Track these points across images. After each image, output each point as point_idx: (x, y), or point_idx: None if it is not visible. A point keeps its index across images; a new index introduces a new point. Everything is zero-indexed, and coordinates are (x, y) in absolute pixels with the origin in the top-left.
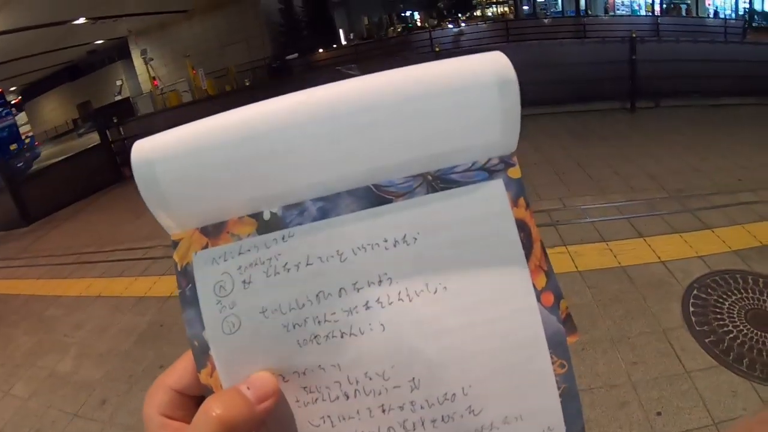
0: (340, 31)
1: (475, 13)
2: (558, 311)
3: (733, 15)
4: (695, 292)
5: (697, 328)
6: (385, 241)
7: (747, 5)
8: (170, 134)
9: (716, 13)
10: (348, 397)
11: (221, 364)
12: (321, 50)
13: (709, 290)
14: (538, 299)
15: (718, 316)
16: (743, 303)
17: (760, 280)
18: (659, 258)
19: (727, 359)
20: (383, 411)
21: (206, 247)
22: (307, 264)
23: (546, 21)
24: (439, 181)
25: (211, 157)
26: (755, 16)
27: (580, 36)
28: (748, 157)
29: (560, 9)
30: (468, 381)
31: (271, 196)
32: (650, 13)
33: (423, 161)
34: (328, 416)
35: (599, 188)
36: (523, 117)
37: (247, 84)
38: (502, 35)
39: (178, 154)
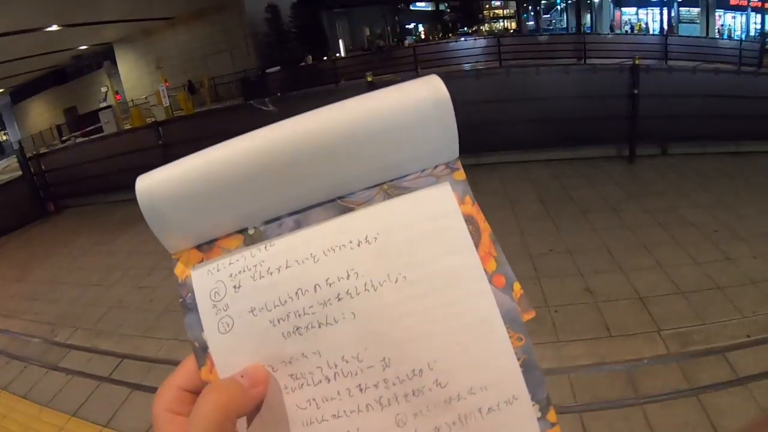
0: (340, 42)
1: (481, 28)
2: (511, 292)
3: (744, 37)
4: None
5: None
6: (350, 242)
7: (759, 26)
8: (167, 169)
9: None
10: (329, 380)
11: (219, 360)
12: (304, 64)
13: None
14: (490, 281)
15: None
16: None
17: None
18: None
19: None
20: (360, 390)
21: (202, 261)
22: (287, 267)
23: (542, 39)
24: (394, 188)
25: (202, 187)
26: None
27: (580, 57)
28: None
29: (565, 25)
30: (432, 357)
31: (253, 214)
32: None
33: (378, 174)
34: (313, 399)
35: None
36: (481, 166)
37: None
38: (493, 54)
39: (175, 185)
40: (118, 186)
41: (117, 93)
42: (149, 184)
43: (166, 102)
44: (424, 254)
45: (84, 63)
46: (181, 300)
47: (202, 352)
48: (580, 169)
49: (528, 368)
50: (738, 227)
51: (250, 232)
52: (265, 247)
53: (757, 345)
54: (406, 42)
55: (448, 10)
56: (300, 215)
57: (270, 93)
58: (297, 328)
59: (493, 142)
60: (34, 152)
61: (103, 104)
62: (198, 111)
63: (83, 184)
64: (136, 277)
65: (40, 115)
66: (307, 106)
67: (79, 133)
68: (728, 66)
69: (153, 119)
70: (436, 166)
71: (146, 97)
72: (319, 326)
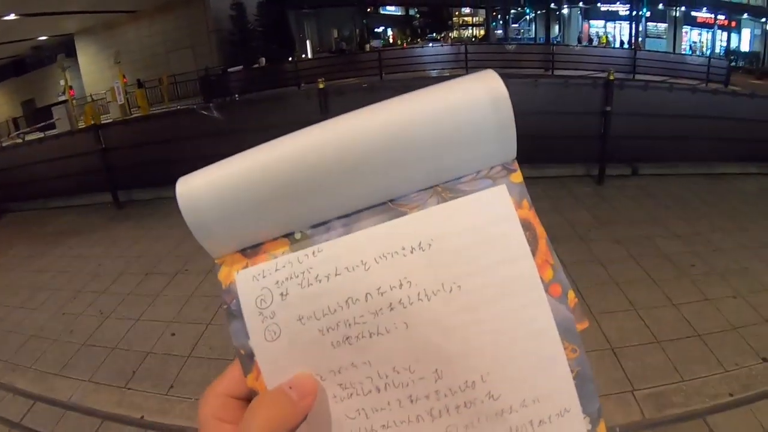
0: (308, 43)
1: (450, 34)
2: (566, 300)
3: (709, 53)
4: None
5: None
6: (403, 249)
7: (725, 44)
8: (210, 171)
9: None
10: (379, 391)
11: (265, 368)
12: (257, 66)
13: None
14: (546, 291)
15: None
16: None
17: None
18: None
19: None
20: (411, 401)
21: (246, 266)
22: (336, 274)
23: (510, 47)
24: (448, 192)
25: (247, 191)
26: (733, 57)
27: (547, 68)
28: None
29: (533, 36)
30: (486, 369)
31: (300, 219)
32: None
33: (432, 176)
34: (363, 409)
35: None
36: None
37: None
38: (460, 61)
39: (217, 189)
40: (59, 191)
41: (71, 88)
42: (191, 187)
43: (120, 99)
44: (480, 262)
45: (44, 54)
46: (225, 306)
47: (248, 359)
48: (546, 189)
49: (581, 380)
50: (715, 261)
51: (297, 236)
52: (313, 253)
53: (740, 406)
54: (367, 46)
55: (418, 16)
56: (349, 219)
57: (230, 93)
58: (347, 338)
59: None
60: None
61: (62, 98)
62: (139, 116)
63: (23, 187)
64: (61, 300)
65: None
66: (264, 110)
67: (28, 129)
68: (695, 82)
69: (94, 121)
70: (492, 167)
71: (105, 93)
72: (370, 336)
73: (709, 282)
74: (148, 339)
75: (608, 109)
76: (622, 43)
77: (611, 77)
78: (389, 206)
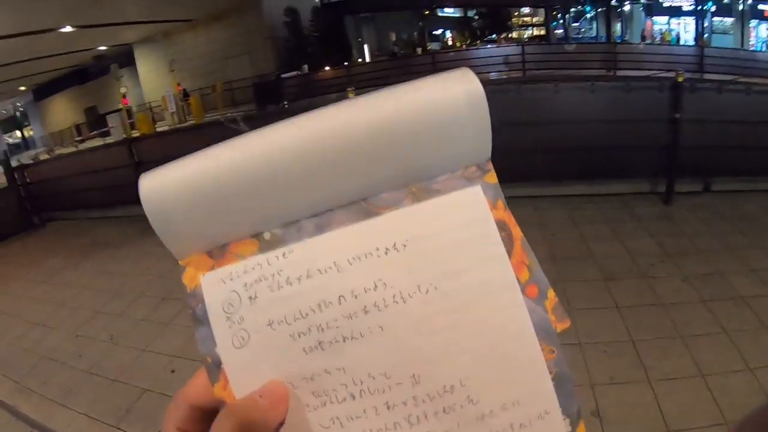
0: (365, 47)
1: (510, 35)
2: (544, 300)
3: None
4: None
5: None
6: (377, 249)
7: None
8: (175, 167)
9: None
10: (354, 398)
11: (233, 376)
12: (299, 73)
13: None
14: (523, 292)
15: None
16: None
17: None
18: None
19: None
20: (388, 408)
21: (213, 268)
22: (308, 276)
23: (569, 47)
24: (423, 192)
25: (213, 189)
26: None
27: (609, 68)
28: None
29: (594, 34)
30: (464, 373)
31: (269, 218)
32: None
33: (407, 175)
34: (337, 417)
35: None
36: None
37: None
38: (517, 63)
39: (182, 186)
40: (96, 203)
41: (124, 96)
42: (154, 183)
43: (172, 107)
44: (456, 264)
45: (105, 63)
46: (190, 311)
47: (215, 367)
48: (605, 210)
49: (559, 381)
50: None
51: (266, 236)
52: (284, 255)
53: None
54: (419, 50)
55: (476, 17)
56: (321, 218)
57: (283, 99)
58: (320, 343)
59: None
60: (19, 162)
61: (120, 106)
62: (171, 129)
63: (65, 198)
64: (79, 320)
65: (62, 113)
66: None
67: (81, 137)
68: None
69: (126, 135)
70: (466, 167)
71: (161, 100)
72: (344, 341)
73: None
74: (149, 374)
75: (677, 116)
76: (677, 39)
77: (680, 78)
78: (362, 206)
